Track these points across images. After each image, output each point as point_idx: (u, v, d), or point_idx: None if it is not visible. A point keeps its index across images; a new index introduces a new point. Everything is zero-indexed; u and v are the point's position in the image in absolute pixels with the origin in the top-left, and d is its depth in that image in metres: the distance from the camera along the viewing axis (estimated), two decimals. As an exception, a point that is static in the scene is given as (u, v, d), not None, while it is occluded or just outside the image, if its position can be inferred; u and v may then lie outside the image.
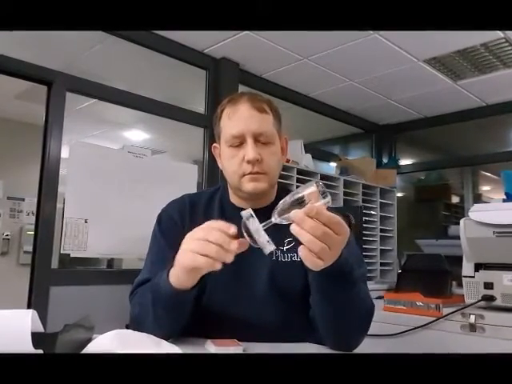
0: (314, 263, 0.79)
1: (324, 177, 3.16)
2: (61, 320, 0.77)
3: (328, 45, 2.68)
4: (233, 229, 0.81)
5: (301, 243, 0.78)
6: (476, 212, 1.86)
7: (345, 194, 3.26)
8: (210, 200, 1.18)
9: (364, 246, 3.13)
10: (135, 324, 1.01)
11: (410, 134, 4.15)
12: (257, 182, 1.06)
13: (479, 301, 1.84)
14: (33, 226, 2.31)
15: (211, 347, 0.91)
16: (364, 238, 3.13)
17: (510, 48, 2.64)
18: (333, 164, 3.94)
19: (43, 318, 0.73)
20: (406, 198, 4.56)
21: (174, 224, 1.13)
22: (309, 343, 1.05)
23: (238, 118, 1.06)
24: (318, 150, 3.99)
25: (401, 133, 4.16)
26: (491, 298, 1.81)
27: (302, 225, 0.77)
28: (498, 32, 2.47)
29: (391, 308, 2.06)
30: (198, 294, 0.96)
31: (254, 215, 0.79)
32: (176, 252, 0.88)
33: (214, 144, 1.17)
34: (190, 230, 0.87)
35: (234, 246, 0.80)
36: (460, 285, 1.97)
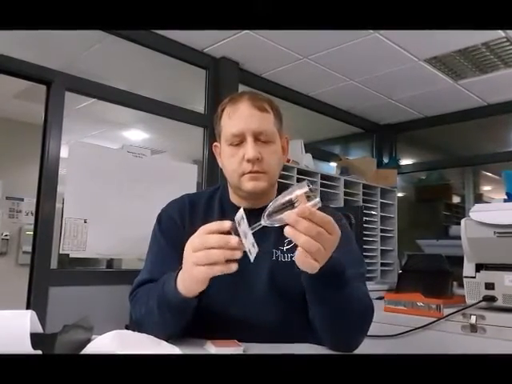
0: (310, 265, 0.79)
1: (324, 177, 3.15)
2: (60, 320, 0.77)
3: (328, 44, 2.68)
4: (227, 224, 0.80)
5: None
6: (477, 212, 1.86)
7: (345, 193, 3.26)
8: (209, 200, 1.18)
9: (364, 246, 3.12)
10: (137, 325, 1.00)
11: (410, 133, 4.15)
12: (256, 181, 1.05)
13: (480, 301, 1.83)
14: (32, 226, 2.31)
15: (211, 348, 0.91)
16: (364, 238, 3.13)
17: (511, 47, 2.63)
18: (333, 164, 3.94)
19: (42, 318, 0.72)
20: (407, 198, 4.56)
21: (173, 224, 1.13)
22: (309, 344, 1.05)
23: (239, 116, 1.06)
24: (319, 150, 3.99)
25: (401, 132, 4.16)
26: (492, 299, 1.81)
27: (296, 226, 0.76)
28: (499, 31, 2.47)
29: (392, 308, 2.06)
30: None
31: (245, 217, 0.78)
32: (176, 252, 0.87)
33: (215, 143, 1.17)
34: (190, 230, 0.86)
35: (235, 241, 0.78)
36: (461, 285, 1.96)
